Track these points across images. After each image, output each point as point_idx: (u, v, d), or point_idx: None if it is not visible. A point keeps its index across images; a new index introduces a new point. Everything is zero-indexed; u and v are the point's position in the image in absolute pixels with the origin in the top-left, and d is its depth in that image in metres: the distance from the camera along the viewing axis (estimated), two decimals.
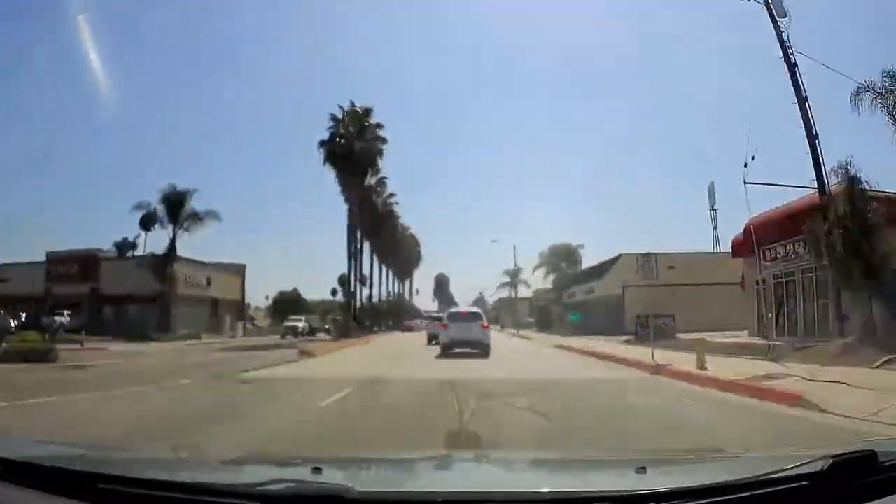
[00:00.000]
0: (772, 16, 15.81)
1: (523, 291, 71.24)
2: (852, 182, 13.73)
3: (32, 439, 2.57)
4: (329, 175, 38.05)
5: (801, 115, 15.36)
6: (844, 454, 1.45)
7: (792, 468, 1.45)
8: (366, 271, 51.33)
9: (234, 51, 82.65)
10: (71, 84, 59.94)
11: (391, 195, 52.71)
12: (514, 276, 67.70)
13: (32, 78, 62.08)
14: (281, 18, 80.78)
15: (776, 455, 1.99)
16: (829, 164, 14.72)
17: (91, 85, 34.57)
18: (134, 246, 46.24)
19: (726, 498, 1.39)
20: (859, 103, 13.99)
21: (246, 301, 56.01)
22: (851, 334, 13.81)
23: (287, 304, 59.25)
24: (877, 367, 10.35)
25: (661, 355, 14.71)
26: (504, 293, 76.12)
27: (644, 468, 1.74)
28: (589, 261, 51.09)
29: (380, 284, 63.03)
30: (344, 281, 46.05)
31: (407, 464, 2.43)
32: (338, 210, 47.40)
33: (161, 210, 35.93)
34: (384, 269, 65.75)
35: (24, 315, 29.27)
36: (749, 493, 1.40)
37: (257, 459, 2.64)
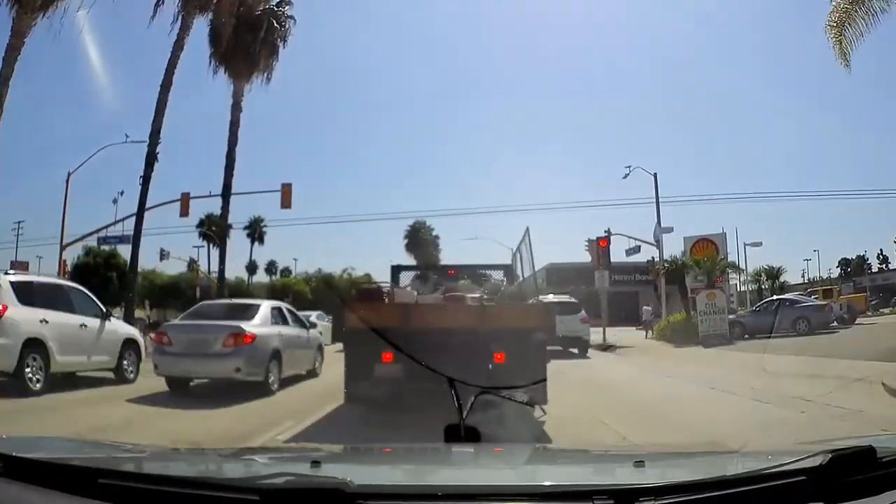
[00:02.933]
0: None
1: None
2: None
3: (33, 436, 2.58)
4: None
5: None
6: (843, 449, 1.49)
7: (790, 463, 1.48)
8: None
9: None
10: None
11: None
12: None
13: None
14: None
15: (775, 450, 2.03)
16: None
17: None
18: None
19: (724, 492, 1.41)
20: None
21: None
22: None
23: None
24: None
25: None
26: None
27: (642, 462, 1.78)
28: None
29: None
30: None
31: (406, 456, 2.47)
32: None
33: None
34: None
35: None
36: (747, 488, 1.43)
37: (257, 452, 2.67)
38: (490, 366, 6.90)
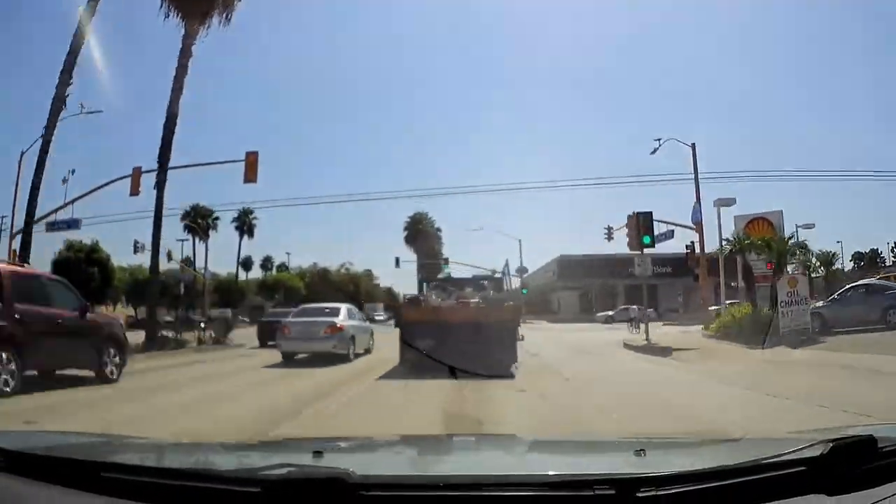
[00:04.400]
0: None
1: None
2: None
3: (34, 430, 2.89)
4: None
5: None
6: (844, 439, 1.68)
7: (791, 452, 1.68)
8: None
9: None
10: None
11: None
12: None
13: None
14: None
15: (776, 439, 2.21)
16: None
17: None
18: None
19: (725, 482, 1.61)
20: None
21: None
22: None
23: None
24: None
25: None
26: None
27: (643, 451, 2.01)
28: None
29: None
30: None
31: (408, 447, 2.76)
32: None
33: None
34: None
35: None
36: (748, 478, 1.62)
37: (258, 444, 2.92)
38: (483, 339, 13.16)
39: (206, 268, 59.52)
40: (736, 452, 2.06)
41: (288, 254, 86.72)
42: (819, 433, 1.99)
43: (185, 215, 66.19)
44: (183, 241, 65.26)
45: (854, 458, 1.64)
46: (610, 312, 52.53)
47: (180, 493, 1.67)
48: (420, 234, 79.35)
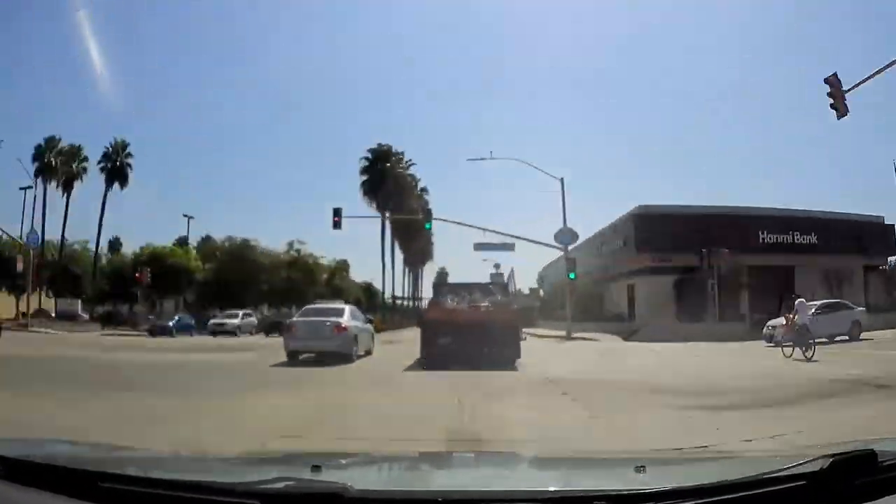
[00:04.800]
0: None
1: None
2: None
3: (33, 438, 2.92)
4: None
5: None
6: (844, 453, 1.71)
7: (791, 467, 1.71)
8: None
9: None
10: None
11: None
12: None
13: None
14: None
15: (776, 454, 2.26)
16: None
17: None
18: None
19: (725, 497, 1.64)
20: None
21: None
22: None
23: None
24: None
25: None
26: None
27: (643, 467, 2.04)
28: None
29: None
30: None
31: (407, 462, 2.81)
32: None
33: None
34: None
35: None
36: (748, 493, 1.66)
37: (257, 457, 2.96)
38: (492, 337, 16.08)
39: (35, 230, 44.11)
40: (737, 468, 2.10)
41: (188, 217, 59.93)
42: (821, 448, 2.03)
43: (38, 153, 48.61)
44: (26, 188, 46.40)
45: (854, 472, 1.67)
46: (781, 321, 22.39)
47: None
48: (386, 178, 57.96)
